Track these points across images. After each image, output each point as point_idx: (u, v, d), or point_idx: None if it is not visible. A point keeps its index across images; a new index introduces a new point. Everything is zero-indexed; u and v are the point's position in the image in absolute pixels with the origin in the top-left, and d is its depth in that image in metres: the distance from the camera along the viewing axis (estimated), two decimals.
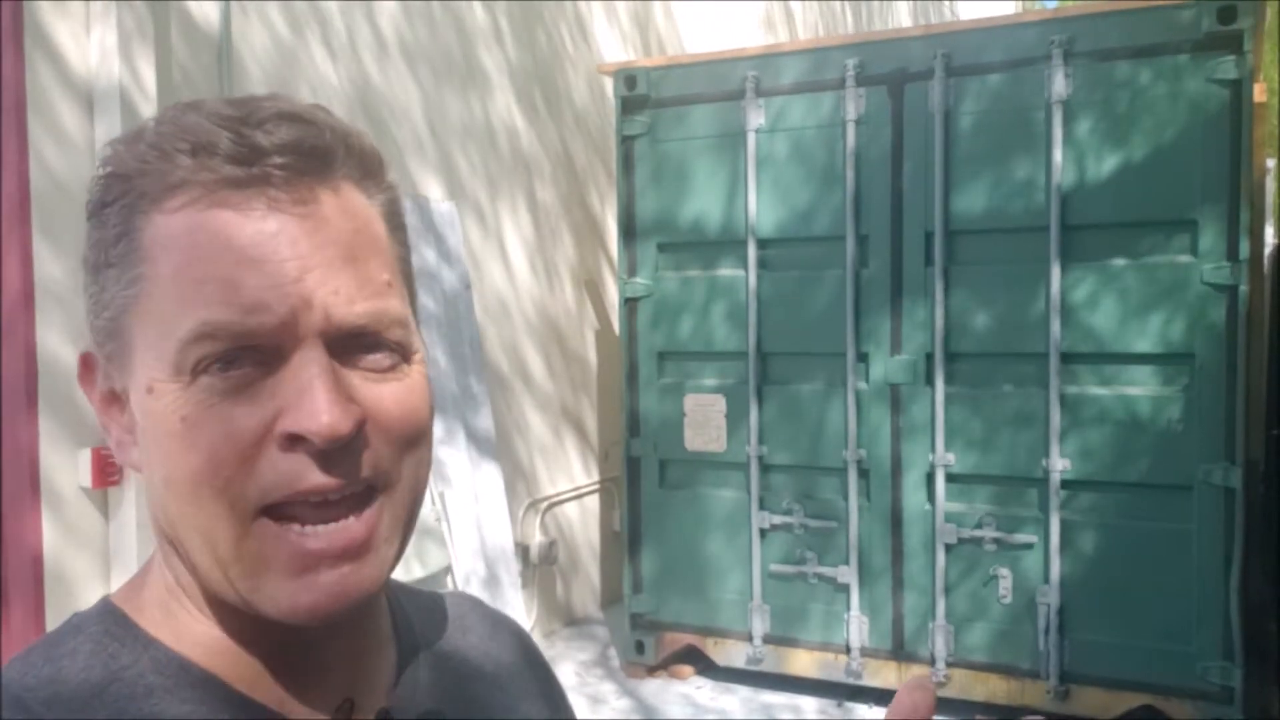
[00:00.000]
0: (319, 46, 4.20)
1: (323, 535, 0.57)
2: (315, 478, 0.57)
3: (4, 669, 0.61)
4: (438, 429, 4.38)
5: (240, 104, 0.60)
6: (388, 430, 0.60)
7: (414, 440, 0.62)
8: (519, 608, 4.65)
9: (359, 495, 0.59)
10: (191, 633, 0.63)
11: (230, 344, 0.57)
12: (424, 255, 4.42)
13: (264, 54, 3.95)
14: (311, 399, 0.56)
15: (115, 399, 0.63)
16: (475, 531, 4.49)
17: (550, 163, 5.70)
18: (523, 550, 5.23)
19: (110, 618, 0.64)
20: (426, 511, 4.19)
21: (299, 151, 0.59)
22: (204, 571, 0.60)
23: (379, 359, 0.61)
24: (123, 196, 0.60)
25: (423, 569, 4.04)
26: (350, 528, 0.58)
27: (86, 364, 0.66)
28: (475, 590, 4.39)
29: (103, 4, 3.27)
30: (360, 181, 0.63)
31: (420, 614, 0.78)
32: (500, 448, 4.91)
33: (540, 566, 5.41)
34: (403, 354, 0.62)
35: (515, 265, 5.39)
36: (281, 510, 0.57)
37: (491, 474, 4.65)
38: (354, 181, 0.63)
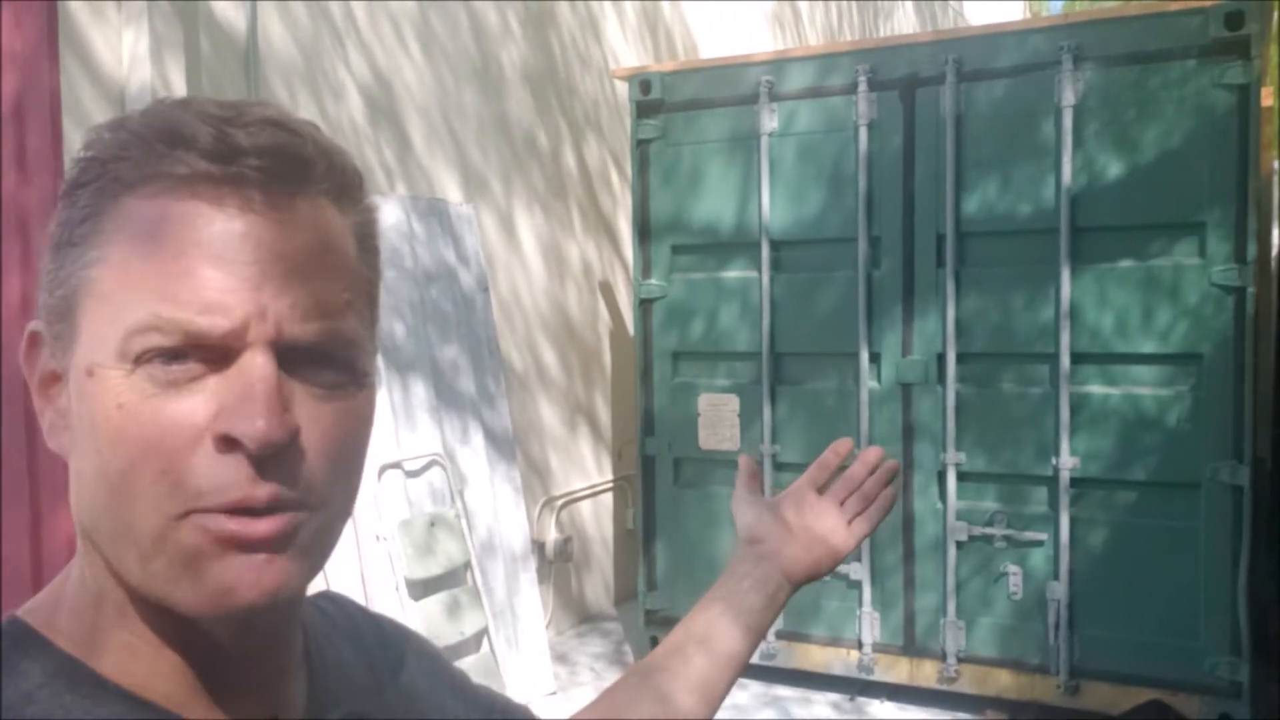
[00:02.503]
0: (341, 48, 4.28)
1: (245, 521, 0.56)
2: (246, 487, 0.56)
3: None
4: (456, 427, 4.44)
5: (230, 105, 0.60)
6: (322, 448, 0.59)
7: (347, 461, 0.62)
8: (534, 604, 4.72)
9: (284, 502, 0.58)
10: (111, 646, 0.61)
11: (178, 340, 0.56)
12: (442, 256, 4.49)
13: (288, 56, 4.02)
14: (250, 403, 0.56)
15: (55, 380, 0.62)
16: (492, 528, 4.55)
17: (563, 162, 5.77)
18: (538, 547, 5.30)
19: (19, 633, 0.61)
20: (446, 509, 4.26)
21: (279, 156, 0.59)
22: (122, 565, 0.59)
23: (326, 376, 0.60)
24: (97, 180, 0.59)
25: (445, 564, 4.11)
26: (271, 520, 0.57)
27: (32, 342, 0.64)
28: (493, 585, 4.46)
29: (135, 8, 3.35)
30: (337, 199, 0.63)
31: (314, 621, 0.77)
32: (516, 446, 4.98)
33: (555, 563, 5.48)
34: (352, 375, 0.61)
35: (530, 264, 5.46)
36: (208, 510, 0.57)
37: (508, 472, 4.72)
38: (331, 198, 0.62)
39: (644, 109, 4.88)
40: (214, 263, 0.57)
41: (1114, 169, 4.13)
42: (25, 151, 3.14)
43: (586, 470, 5.89)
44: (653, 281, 4.93)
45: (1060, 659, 4.23)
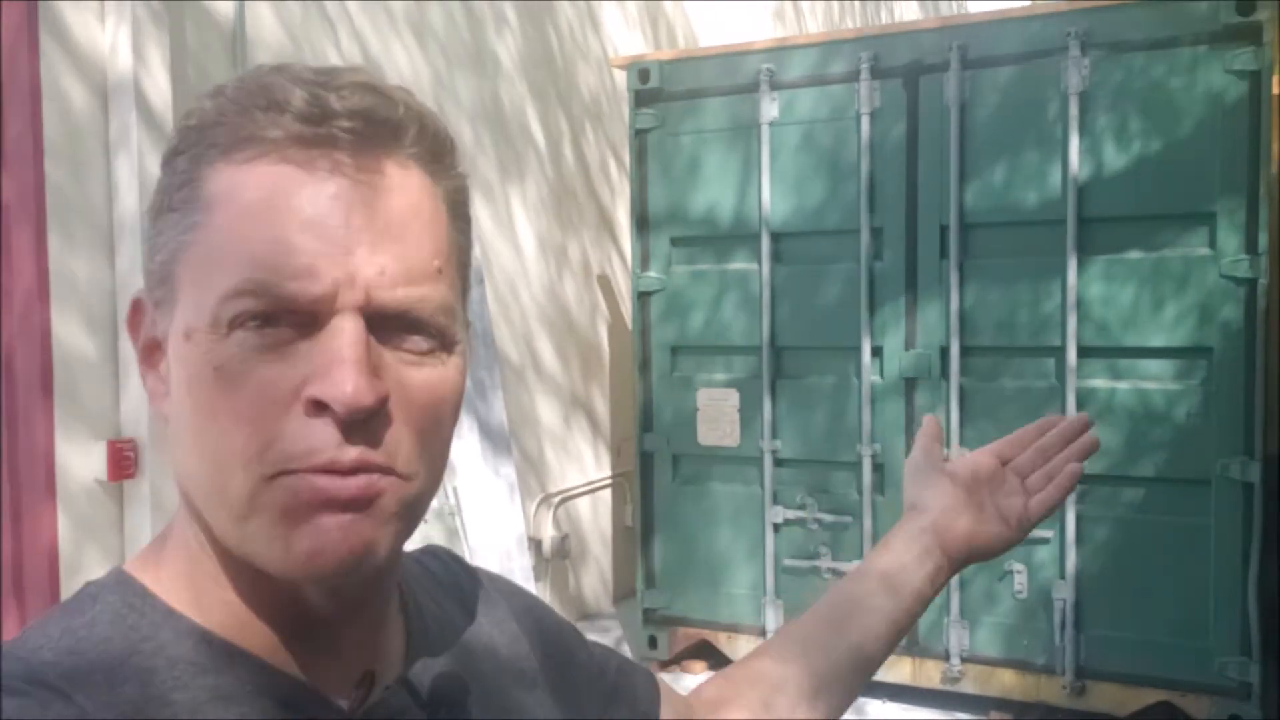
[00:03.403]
0: (332, 36, 4.19)
1: (333, 479, 0.57)
2: (333, 450, 0.57)
3: (20, 641, 0.60)
4: None
5: (325, 71, 0.61)
6: (411, 414, 0.60)
7: (436, 429, 0.62)
8: None
9: (371, 466, 0.58)
10: (211, 602, 0.63)
11: (270, 305, 0.57)
12: None
13: (277, 43, 3.94)
14: (339, 368, 0.56)
15: (157, 347, 0.64)
16: (487, 524, 4.48)
17: (561, 154, 5.69)
18: (535, 544, 5.23)
19: (127, 588, 0.63)
20: (440, 503, 4.18)
21: (369, 119, 0.59)
22: (217, 526, 0.60)
23: (417, 342, 0.60)
24: (194, 146, 0.60)
25: None
26: (357, 479, 0.57)
27: (135, 309, 0.66)
28: None
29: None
30: (429, 164, 0.63)
31: (417, 579, 0.78)
32: (512, 441, 4.90)
33: (552, 561, 5.41)
34: (442, 341, 0.62)
35: (527, 256, 5.38)
36: (297, 471, 0.58)
37: (504, 467, 4.65)
38: (422, 163, 0.62)
39: (642, 98, 4.79)
40: (304, 227, 0.57)
41: (1122, 158, 4.05)
42: (4, 140, 3.07)
43: (584, 466, 5.81)
44: (651, 274, 4.85)
45: (1066, 659, 4.14)
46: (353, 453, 0.57)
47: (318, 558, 0.57)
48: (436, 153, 0.64)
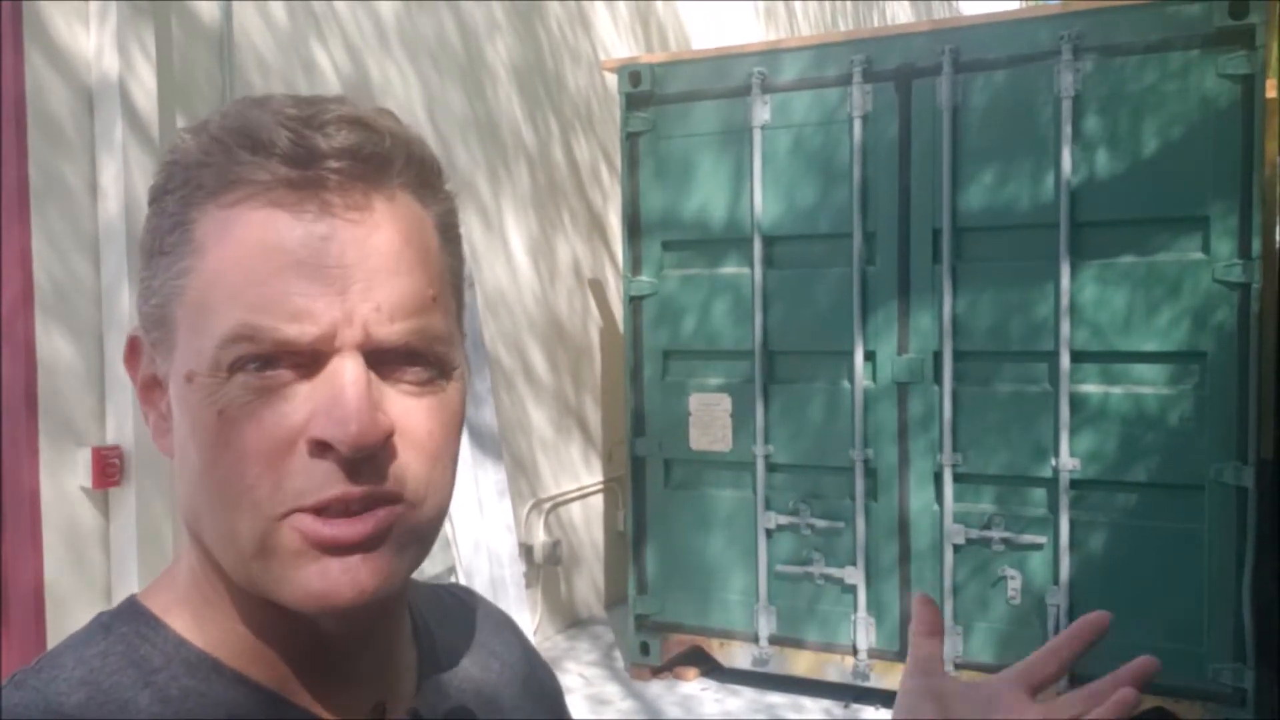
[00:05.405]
0: (320, 38, 4.16)
1: (340, 524, 0.58)
2: (341, 486, 0.57)
3: (33, 672, 0.61)
4: None
5: (307, 104, 0.60)
6: (417, 444, 0.60)
7: (441, 454, 0.62)
8: (523, 608, 4.61)
9: (380, 500, 0.59)
10: (222, 632, 0.64)
11: (269, 348, 0.57)
12: None
13: (265, 47, 3.91)
14: (342, 407, 0.57)
15: (156, 384, 0.64)
16: (479, 531, 4.45)
17: (552, 158, 5.66)
18: (526, 550, 5.19)
19: (139, 617, 0.64)
20: None
21: (356, 157, 0.59)
22: (227, 564, 0.61)
23: (417, 373, 0.61)
24: (182, 186, 0.60)
25: (427, 568, 4.01)
26: (365, 520, 0.58)
27: (133, 347, 0.66)
28: (479, 589, 4.34)
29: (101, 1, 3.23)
30: (417, 190, 0.63)
31: (433, 611, 0.79)
32: (503, 446, 4.87)
33: (544, 567, 5.38)
34: (441, 369, 0.62)
35: (518, 261, 5.35)
36: (306, 510, 0.58)
37: (495, 473, 4.61)
38: (411, 190, 0.63)
39: (634, 101, 4.77)
40: (298, 270, 0.57)
41: (1115, 162, 4.04)
42: None
43: (576, 472, 5.78)
44: (643, 278, 4.82)
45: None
46: (361, 489, 0.57)
47: (329, 598, 0.58)
48: (424, 178, 0.64)
